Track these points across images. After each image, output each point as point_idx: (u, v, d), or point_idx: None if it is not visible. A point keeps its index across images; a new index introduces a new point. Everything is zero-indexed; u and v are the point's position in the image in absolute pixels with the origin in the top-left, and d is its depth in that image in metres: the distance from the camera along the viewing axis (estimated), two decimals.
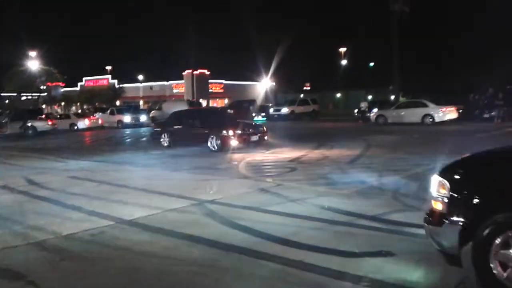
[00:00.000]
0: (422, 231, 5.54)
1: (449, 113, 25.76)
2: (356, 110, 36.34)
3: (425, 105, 26.14)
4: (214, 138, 15.42)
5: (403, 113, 26.63)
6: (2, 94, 59.66)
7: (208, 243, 5.45)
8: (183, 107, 36.71)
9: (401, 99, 51.67)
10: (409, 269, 4.48)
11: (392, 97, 48.06)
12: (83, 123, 33.94)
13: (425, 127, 24.08)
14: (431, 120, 25.20)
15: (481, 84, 32.58)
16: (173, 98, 60.50)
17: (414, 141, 17.42)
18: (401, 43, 38.15)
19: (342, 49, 60.84)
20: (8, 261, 5.05)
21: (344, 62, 61.33)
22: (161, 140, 17.58)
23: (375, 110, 32.36)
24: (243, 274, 4.50)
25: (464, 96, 32.09)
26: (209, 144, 15.53)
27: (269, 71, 54.67)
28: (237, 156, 13.83)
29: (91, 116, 37.17)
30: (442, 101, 30.07)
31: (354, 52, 59.74)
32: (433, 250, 4.94)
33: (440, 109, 25.65)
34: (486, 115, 27.04)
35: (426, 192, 7.82)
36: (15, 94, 57.04)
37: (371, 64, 64.59)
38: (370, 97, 52.70)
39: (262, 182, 9.34)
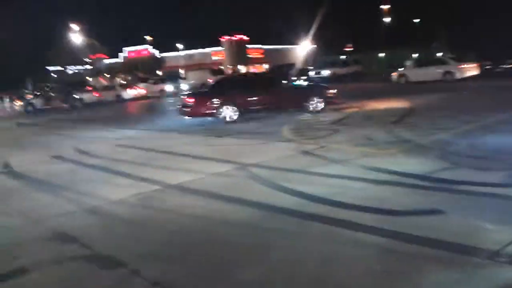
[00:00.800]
0: (470, 188, 5.41)
1: (470, 70, 25.23)
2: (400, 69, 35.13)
3: (446, 63, 25.79)
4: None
5: (423, 71, 26.04)
6: (50, 68, 61.57)
7: (253, 205, 5.50)
8: (207, 75, 37.16)
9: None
10: (459, 227, 4.35)
11: (439, 54, 46.21)
12: (128, 94, 34.66)
13: (475, 83, 23.08)
14: (451, 77, 24.65)
15: None
16: (221, 65, 60.62)
17: (462, 97, 16.75)
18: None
19: (385, 6, 58.60)
20: (62, 227, 5.28)
21: (387, 19, 59.16)
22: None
23: None
24: (290, 234, 4.52)
25: None
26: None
27: (309, 33, 53.44)
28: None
29: (135, 86, 37.82)
30: (490, 58, 28.81)
31: (398, 9, 57.44)
32: (483, 206, 4.82)
33: (460, 66, 25.20)
34: None
35: (475, 149, 7.58)
36: (61, 68, 58.75)
37: (417, 20, 62.01)
38: (415, 55, 50.81)
39: (305, 145, 9.27)
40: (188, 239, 4.65)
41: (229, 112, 14.29)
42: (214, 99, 14.37)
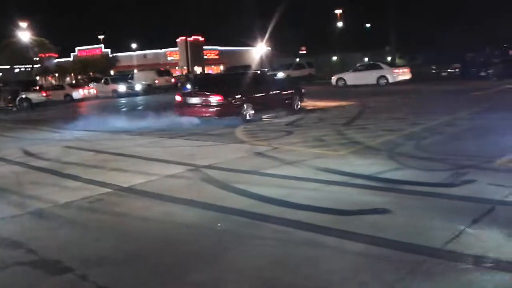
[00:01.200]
0: (417, 188, 5.64)
1: (402, 75, 27.63)
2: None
3: (380, 67, 27.81)
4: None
5: (360, 75, 27.94)
6: None
7: (206, 207, 5.49)
8: (153, 76, 37.28)
9: (398, 60, 51.41)
10: (404, 226, 4.52)
11: (389, 58, 47.78)
12: (78, 94, 33.69)
13: (426, 86, 24.02)
14: (385, 81, 26.67)
15: (477, 43, 32.41)
16: (168, 66, 59.91)
17: (409, 102, 17.37)
18: (397, 4, 37.50)
19: (338, 11, 59.92)
20: (7, 231, 5.07)
21: (340, 24, 60.51)
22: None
23: None
24: (242, 235, 4.54)
25: (461, 55, 32.06)
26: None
27: (264, 36, 53.81)
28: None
29: (85, 86, 36.84)
30: (440, 60, 30.36)
31: (350, 14, 58.88)
32: (428, 206, 5.04)
33: (393, 71, 27.49)
34: (482, 73, 27.01)
35: (421, 150, 7.90)
36: (8, 67, 56.35)
37: (368, 25, 63.77)
38: (366, 59, 52.22)
39: (258, 147, 9.34)
40: (138, 242, 4.57)
41: (249, 111, 13.61)
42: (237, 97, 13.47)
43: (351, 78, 28.27)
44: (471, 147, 7.96)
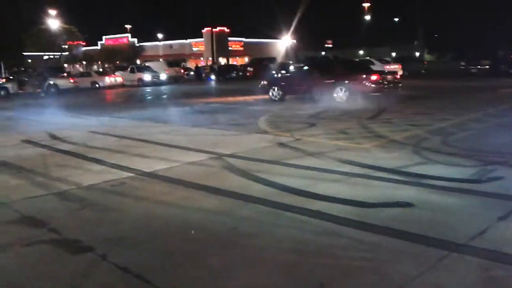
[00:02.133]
0: (442, 183, 5.52)
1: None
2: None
3: (372, 63, 28.92)
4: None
5: None
6: (25, 54, 60.10)
7: (227, 194, 5.49)
8: (163, 66, 37.85)
9: (426, 56, 50.49)
10: (427, 220, 4.42)
11: (417, 53, 46.97)
12: (104, 81, 34.14)
13: (454, 82, 23.51)
14: None
15: (509, 41, 31.54)
16: (192, 57, 60.28)
17: (441, 95, 17.03)
18: None
19: (366, 4, 59.10)
20: (30, 210, 5.17)
21: (367, 17, 59.70)
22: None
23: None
24: (260, 223, 4.53)
25: (492, 52, 31.33)
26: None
27: (290, 28, 53.47)
28: None
29: (112, 74, 37.27)
30: (470, 57, 29.79)
31: (378, 8, 57.98)
32: (453, 202, 4.93)
33: (384, 67, 29.01)
34: None
35: (447, 146, 7.74)
36: (37, 54, 57.40)
37: (396, 19, 62.72)
38: (394, 54, 51.47)
39: (281, 137, 9.29)
40: (159, 226, 4.60)
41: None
42: None
43: None
44: (500, 144, 7.75)
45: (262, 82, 18.76)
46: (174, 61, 46.33)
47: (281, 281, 3.38)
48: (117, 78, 35.90)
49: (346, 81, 15.52)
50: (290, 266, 3.59)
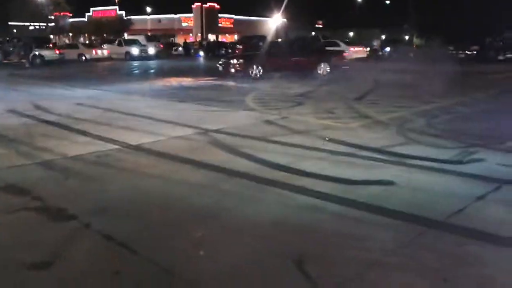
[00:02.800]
0: (424, 163, 5.62)
1: (358, 53, 30.32)
2: (368, 49, 35.55)
3: (338, 45, 30.07)
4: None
5: None
6: (10, 23, 58.80)
7: (211, 168, 5.52)
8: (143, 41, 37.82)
9: (415, 40, 50.55)
10: (408, 198, 4.52)
11: (406, 37, 47.00)
12: (91, 54, 33.63)
13: (440, 67, 23.64)
14: None
15: (496, 26, 31.68)
16: (181, 32, 59.57)
17: (429, 79, 17.13)
18: None
19: None
20: (14, 178, 5.15)
21: None
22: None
23: (388, 48, 32.07)
24: (243, 197, 4.58)
25: (480, 38, 31.47)
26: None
27: (281, 7, 52.96)
28: None
29: (99, 47, 36.70)
30: (457, 43, 29.91)
31: None
32: (434, 181, 5.03)
33: (350, 49, 29.33)
34: (501, 57, 26.55)
35: (431, 128, 7.83)
36: (22, 24, 56.21)
37: (387, 1, 62.48)
38: (383, 36, 51.45)
39: (267, 115, 9.31)
40: (143, 197, 4.63)
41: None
42: None
43: None
44: (483, 128, 7.87)
45: (221, 61, 19.13)
46: (153, 35, 46.03)
47: (260, 253, 3.44)
48: (104, 50, 35.37)
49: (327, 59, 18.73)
50: (271, 238, 3.66)
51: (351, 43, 33.45)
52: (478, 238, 3.62)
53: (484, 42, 30.53)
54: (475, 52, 29.52)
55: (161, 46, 43.25)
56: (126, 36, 48.98)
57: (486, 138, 6.98)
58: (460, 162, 5.74)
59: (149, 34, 47.35)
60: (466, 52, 30.08)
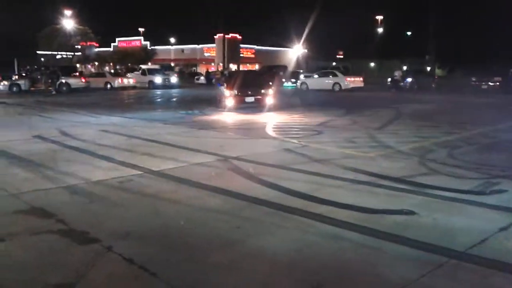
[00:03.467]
0: (446, 193, 5.56)
1: (355, 83, 30.44)
2: (389, 79, 35.51)
3: (336, 75, 30.80)
4: None
5: (319, 81, 31.08)
6: (38, 52, 60.81)
7: (231, 195, 5.57)
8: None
9: (437, 71, 50.39)
10: (429, 228, 4.47)
11: (428, 67, 46.89)
12: (117, 82, 34.41)
13: (463, 98, 23.53)
14: (339, 87, 29.56)
15: None
16: (203, 62, 60.71)
17: (451, 110, 17.05)
18: (439, 12, 36.77)
19: (379, 17, 59.21)
20: (40, 202, 5.29)
21: (380, 30, 59.77)
22: None
23: (409, 79, 32.05)
24: (263, 223, 4.60)
25: (504, 69, 31.20)
26: None
27: (301, 37, 53.62)
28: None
29: (125, 76, 37.47)
30: (480, 74, 29.74)
31: (390, 20, 58.08)
32: (455, 211, 4.97)
33: (346, 78, 30.23)
34: None
35: (453, 158, 7.77)
36: (50, 53, 58.05)
37: (408, 33, 62.74)
38: (404, 67, 51.41)
39: (287, 143, 9.36)
40: (164, 222, 4.70)
41: None
42: None
43: (312, 83, 31.35)
44: (505, 159, 7.76)
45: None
46: (168, 65, 47.49)
47: (280, 279, 3.45)
48: (130, 79, 36.05)
49: None
50: (290, 265, 3.67)
51: (348, 72, 33.98)
52: (501, 269, 3.56)
53: (507, 73, 30.26)
54: (497, 83, 29.22)
55: (176, 75, 43.95)
56: (149, 65, 50.27)
57: (508, 169, 6.89)
58: (482, 193, 5.67)
59: (171, 63, 48.82)
60: (489, 83, 29.80)
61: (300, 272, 3.56)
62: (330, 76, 30.99)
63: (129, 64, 57.72)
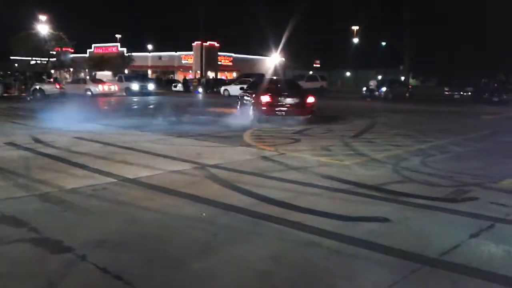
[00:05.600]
0: (419, 201, 5.67)
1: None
2: (364, 88, 36.10)
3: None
4: None
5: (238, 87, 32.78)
6: (12, 58, 59.64)
7: (208, 202, 5.56)
8: (109, 77, 41.40)
9: (411, 81, 51.40)
10: (403, 235, 4.55)
11: (402, 78, 47.81)
12: (97, 89, 33.95)
13: (436, 107, 24.03)
14: None
15: (492, 69, 32.33)
16: (181, 69, 60.51)
17: (424, 119, 17.39)
18: (413, 23, 37.60)
19: (355, 27, 60.13)
20: (12, 210, 5.17)
21: (355, 40, 60.68)
22: None
23: (384, 89, 32.58)
24: (240, 231, 4.61)
25: (476, 79, 32.08)
26: None
27: (278, 46, 53.96)
28: None
29: (105, 83, 36.95)
30: (452, 84, 30.51)
31: (366, 31, 59.04)
32: (428, 218, 5.07)
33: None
34: (495, 99, 26.99)
35: (426, 166, 7.92)
36: (24, 58, 56.98)
37: (383, 43, 63.88)
38: (380, 77, 52.28)
39: (265, 151, 9.40)
40: (139, 230, 4.65)
41: None
42: None
43: (233, 89, 34.41)
44: (477, 167, 7.96)
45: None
46: (144, 73, 47.67)
47: (257, 287, 3.45)
48: (111, 86, 35.53)
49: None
50: (268, 273, 3.68)
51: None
52: (472, 275, 3.65)
53: (479, 84, 31.12)
54: (470, 93, 30.02)
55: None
56: (97, 73, 49.65)
57: (479, 177, 7.07)
58: (454, 201, 5.80)
59: (148, 70, 48.47)
60: (461, 93, 30.59)
61: (278, 279, 3.57)
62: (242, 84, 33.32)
63: (105, 70, 57.09)
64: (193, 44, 61.63)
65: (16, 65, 58.90)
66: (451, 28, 41.25)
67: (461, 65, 40.59)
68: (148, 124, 14.77)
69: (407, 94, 34.64)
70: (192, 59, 63.34)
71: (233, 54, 67.11)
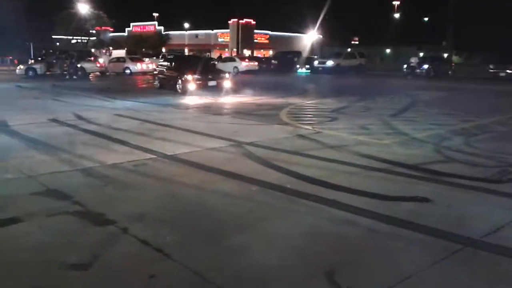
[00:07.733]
0: (461, 181, 5.52)
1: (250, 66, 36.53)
2: (405, 66, 35.04)
3: (234, 60, 36.16)
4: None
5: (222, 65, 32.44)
6: (53, 36, 61.15)
7: (244, 179, 5.59)
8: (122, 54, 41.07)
9: (454, 58, 49.64)
10: (444, 215, 4.45)
11: (445, 55, 46.21)
12: (136, 67, 34.46)
13: (480, 85, 23.18)
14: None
15: None
16: (217, 47, 60.58)
17: (467, 97, 16.82)
18: None
19: (395, 2, 58.29)
20: (56, 184, 5.36)
21: (396, 15, 58.89)
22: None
23: (425, 66, 31.65)
24: (275, 208, 4.62)
25: None
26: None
27: (316, 23, 53.05)
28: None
29: (142, 61, 37.36)
30: (498, 61, 29.20)
31: (407, 6, 57.15)
32: (470, 199, 4.94)
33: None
34: None
35: (469, 146, 7.68)
36: (65, 37, 58.32)
37: (425, 18, 61.71)
38: (421, 54, 50.71)
39: (301, 129, 9.34)
40: (179, 205, 4.74)
41: None
42: None
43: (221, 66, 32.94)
44: None
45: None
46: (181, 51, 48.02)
47: (292, 263, 3.47)
48: (149, 65, 35.85)
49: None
50: (302, 249, 3.68)
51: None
52: None
53: None
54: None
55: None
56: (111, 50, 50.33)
57: None
58: (498, 181, 5.61)
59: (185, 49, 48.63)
60: (507, 70, 29.27)
61: (312, 256, 3.57)
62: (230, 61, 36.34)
63: (143, 49, 57.82)
64: (229, 22, 61.35)
65: (58, 43, 60.42)
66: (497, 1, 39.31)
67: (507, 42, 38.76)
68: (184, 101, 14.89)
69: (449, 72, 33.50)
70: (228, 37, 63.16)
71: (269, 32, 66.42)
